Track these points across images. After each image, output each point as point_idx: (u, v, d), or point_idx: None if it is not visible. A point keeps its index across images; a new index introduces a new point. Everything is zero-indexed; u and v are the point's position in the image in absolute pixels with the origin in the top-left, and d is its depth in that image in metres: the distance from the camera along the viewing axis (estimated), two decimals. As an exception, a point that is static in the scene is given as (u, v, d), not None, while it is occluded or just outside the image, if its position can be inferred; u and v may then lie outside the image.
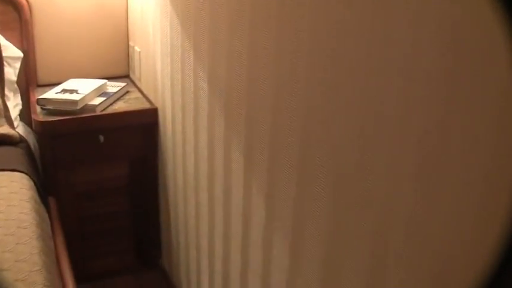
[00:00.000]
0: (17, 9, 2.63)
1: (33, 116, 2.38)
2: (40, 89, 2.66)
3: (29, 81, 2.72)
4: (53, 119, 2.34)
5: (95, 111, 2.38)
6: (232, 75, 1.56)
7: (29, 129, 2.61)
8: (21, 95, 2.69)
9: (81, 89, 2.43)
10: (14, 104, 2.61)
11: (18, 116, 2.61)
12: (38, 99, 2.40)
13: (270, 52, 1.32)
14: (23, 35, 2.67)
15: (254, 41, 1.40)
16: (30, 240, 1.70)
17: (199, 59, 1.82)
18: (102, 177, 2.55)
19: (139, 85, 2.71)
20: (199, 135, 1.91)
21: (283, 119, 1.29)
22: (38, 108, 2.41)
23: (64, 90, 2.44)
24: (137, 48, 2.65)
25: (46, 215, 2.12)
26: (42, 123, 2.33)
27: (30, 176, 2.12)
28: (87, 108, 2.38)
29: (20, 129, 2.54)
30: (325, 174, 1.14)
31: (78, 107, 2.34)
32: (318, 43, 1.12)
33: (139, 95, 2.62)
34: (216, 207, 1.84)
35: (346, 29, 1.03)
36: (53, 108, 2.37)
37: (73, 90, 2.43)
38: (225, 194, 1.74)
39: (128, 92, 2.64)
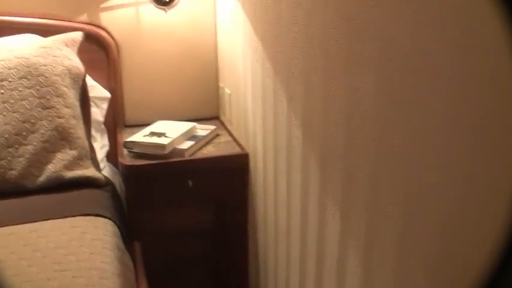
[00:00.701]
0: (105, 48, 2.61)
1: (119, 159, 2.32)
2: (128, 130, 2.62)
3: (116, 121, 2.69)
4: (140, 163, 2.27)
5: (183, 156, 2.30)
6: (328, 123, 1.44)
7: (115, 170, 2.56)
8: (108, 136, 2.65)
9: (170, 132, 2.36)
10: (101, 145, 2.57)
11: (105, 158, 2.57)
12: (125, 142, 2.35)
13: (370, 99, 1.19)
14: (111, 75, 2.64)
15: (351, 86, 1.28)
16: (111, 292, 1.62)
17: (292, 104, 1.71)
18: (189, 220, 2.47)
19: (229, 127, 2.62)
20: (292, 185, 1.79)
21: (384, 179, 1.16)
22: (125, 151, 2.35)
23: (152, 133, 2.37)
24: (227, 90, 2.57)
25: (130, 263, 2.04)
26: (129, 166, 2.27)
27: (114, 222, 2.05)
28: (175, 152, 2.30)
29: (107, 170, 2.50)
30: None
31: (166, 151, 2.26)
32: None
33: (229, 138, 2.53)
34: (308, 264, 1.71)
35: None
36: (141, 151, 2.31)
37: (161, 133, 2.36)
38: (318, 252, 1.61)
39: (217, 135, 2.56)
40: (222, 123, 2.72)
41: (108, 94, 2.61)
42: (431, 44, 0.93)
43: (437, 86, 0.93)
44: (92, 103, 2.49)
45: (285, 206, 1.88)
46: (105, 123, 2.63)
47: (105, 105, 2.60)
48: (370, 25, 1.17)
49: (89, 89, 2.47)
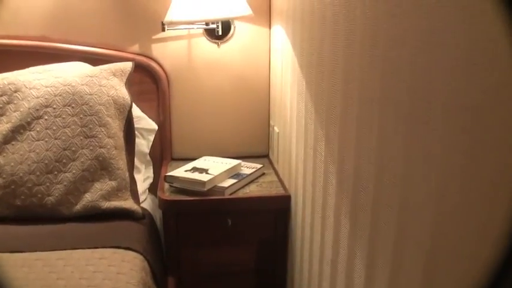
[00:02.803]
0: (155, 80, 2.60)
1: (158, 193, 2.28)
2: (174, 163, 2.60)
3: (163, 154, 2.67)
4: (178, 199, 2.23)
5: (223, 194, 2.24)
6: (360, 173, 1.37)
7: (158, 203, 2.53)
8: (155, 168, 2.62)
9: (212, 169, 2.32)
10: (145, 176, 2.56)
11: (147, 189, 2.54)
12: (165, 176, 2.32)
13: (399, 154, 1.11)
14: (160, 107, 2.63)
15: (383, 138, 1.20)
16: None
17: (330, 150, 1.64)
18: (228, 260, 2.39)
19: (276, 167, 2.56)
20: (326, 232, 1.72)
21: (407, 241, 1.08)
22: (166, 185, 2.32)
23: (194, 169, 2.33)
24: (276, 129, 2.51)
25: None
26: (166, 201, 2.23)
27: (144, 256, 2.00)
28: (215, 190, 2.25)
29: (148, 202, 2.47)
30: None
31: (206, 189, 2.21)
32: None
33: (274, 178, 2.46)
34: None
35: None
36: (180, 186, 2.27)
37: (204, 169, 2.32)
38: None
39: (263, 174, 2.50)
40: (271, 162, 2.66)
41: (155, 126, 2.59)
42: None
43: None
44: (138, 134, 2.48)
45: (318, 251, 1.81)
46: (152, 155, 2.61)
47: (151, 137, 2.58)
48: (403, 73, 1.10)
49: (137, 120, 2.46)
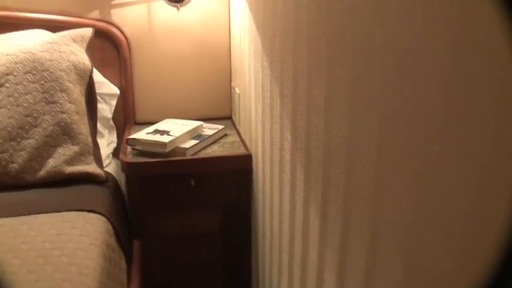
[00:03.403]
0: (116, 46, 2.61)
1: (120, 156, 2.31)
2: (138, 127, 2.61)
3: (126, 119, 2.69)
4: (140, 161, 2.26)
5: (185, 155, 2.27)
6: (311, 127, 1.41)
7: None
8: (119, 133, 2.65)
9: (174, 131, 2.35)
10: (109, 141, 2.58)
11: (111, 154, 2.57)
12: (127, 139, 2.34)
13: (345, 105, 1.15)
14: (122, 73, 2.64)
15: (332, 89, 1.24)
16: (86, 288, 1.61)
17: (284, 105, 1.67)
18: (192, 222, 2.43)
19: (239, 128, 2.59)
20: (283, 188, 1.76)
21: (356, 183, 1.12)
22: (129, 148, 2.35)
23: (156, 131, 2.36)
24: (237, 90, 2.54)
25: (122, 261, 2.03)
26: (129, 164, 2.26)
27: (108, 219, 2.04)
28: (177, 151, 2.28)
29: (112, 167, 2.50)
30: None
31: (167, 150, 2.24)
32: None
33: (237, 138, 2.50)
34: (294, 270, 1.68)
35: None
36: (142, 149, 2.30)
37: (165, 131, 2.35)
38: (302, 261, 1.58)
39: (225, 135, 2.53)
40: (233, 124, 2.69)
41: (117, 90, 2.61)
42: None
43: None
44: (100, 99, 2.50)
45: (278, 209, 1.85)
46: (116, 120, 2.63)
47: (114, 102, 2.60)
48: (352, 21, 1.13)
49: (98, 85, 2.48)
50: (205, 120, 2.58)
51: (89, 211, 2.02)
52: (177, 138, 2.28)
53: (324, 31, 1.26)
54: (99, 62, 2.48)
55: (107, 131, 2.58)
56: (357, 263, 1.14)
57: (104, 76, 2.58)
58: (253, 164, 2.27)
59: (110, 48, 2.62)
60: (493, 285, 0.64)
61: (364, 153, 1.05)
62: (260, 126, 2.05)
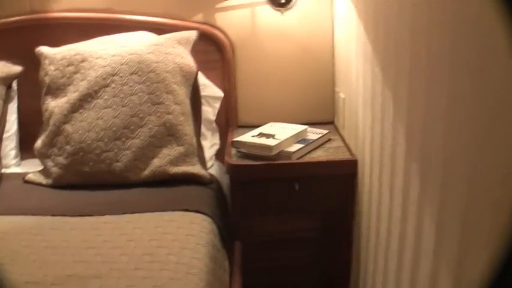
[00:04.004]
0: (220, 48, 2.62)
1: (225, 158, 2.30)
2: (240, 130, 2.60)
3: (229, 121, 2.69)
4: (245, 163, 2.24)
5: (290, 159, 2.24)
6: (429, 136, 1.35)
7: (224, 169, 2.53)
8: (221, 135, 2.64)
9: (279, 134, 2.31)
10: (211, 143, 2.58)
11: (214, 156, 2.56)
12: (232, 141, 2.33)
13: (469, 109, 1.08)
14: (225, 75, 2.64)
15: (454, 93, 1.17)
16: None
17: (398, 112, 1.62)
18: (291, 226, 2.41)
19: (342, 133, 2.54)
20: (394, 195, 1.70)
21: (481, 200, 1.05)
22: (233, 150, 2.33)
23: (261, 134, 2.34)
24: (342, 95, 2.49)
25: (225, 262, 2.01)
26: (233, 166, 2.25)
27: (213, 219, 2.02)
28: (282, 154, 2.25)
29: (215, 168, 2.49)
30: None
31: (273, 153, 2.21)
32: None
33: (341, 143, 2.44)
34: (403, 279, 1.61)
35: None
36: (247, 151, 2.28)
37: (270, 134, 2.32)
38: (413, 266, 1.51)
39: (329, 140, 2.48)
40: (336, 128, 2.64)
41: (221, 93, 2.61)
42: None
43: None
44: (204, 102, 2.50)
45: (387, 215, 1.78)
46: (218, 122, 2.63)
47: (217, 104, 2.60)
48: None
49: (202, 88, 2.49)
50: (306, 124, 2.53)
51: (194, 211, 2.01)
52: (282, 141, 2.25)
53: (448, 33, 1.19)
54: (202, 64, 2.47)
55: (209, 133, 2.57)
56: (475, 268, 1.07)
57: (208, 79, 2.58)
58: (359, 169, 2.20)
59: (213, 51, 2.62)
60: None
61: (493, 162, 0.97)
62: (368, 131, 2.00)
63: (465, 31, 1.10)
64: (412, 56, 1.46)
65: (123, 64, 2.28)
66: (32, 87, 2.50)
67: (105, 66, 2.29)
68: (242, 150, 2.29)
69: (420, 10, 1.37)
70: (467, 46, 1.08)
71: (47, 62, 2.39)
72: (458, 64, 1.14)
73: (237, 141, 2.30)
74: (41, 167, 2.36)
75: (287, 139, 2.29)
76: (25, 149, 2.57)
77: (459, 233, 1.17)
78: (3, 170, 2.43)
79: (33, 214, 2.03)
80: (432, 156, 1.34)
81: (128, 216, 1.98)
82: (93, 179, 2.26)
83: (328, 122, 2.72)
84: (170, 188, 2.20)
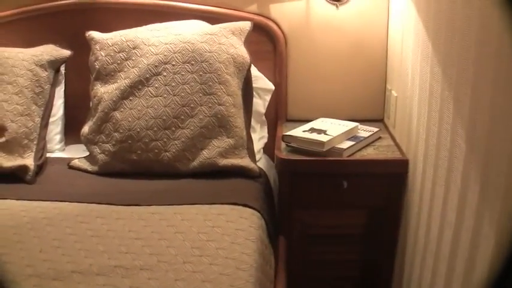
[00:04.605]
0: (273, 40, 2.58)
1: (276, 152, 2.27)
2: (289, 124, 2.58)
3: (278, 114, 2.65)
4: (296, 158, 2.22)
5: (341, 156, 2.21)
6: (494, 138, 1.30)
7: (272, 163, 2.53)
8: (269, 128, 2.62)
9: (330, 130, 2.28)
10: (260, 136, 2.55)
11: (262, 149, 2.54)
12: (283, 135, 2.30)
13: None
14: (277, 67, 2.61)
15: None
16: (245, 284, 1.56)
17: (459, 114, 1.57)
18: (338, 223, 2.38)
19: (392, 132, 2.49)
20: (449, 197, 1.66)
21: None
22: (283, 145, 2.31)
23: (312, 129, 2.31)
24: (394, 93, 2.44)
25: (271, 257, 1.99)
26: (284, 160, 2.22)
27: (262, 215, 2.00)
28: (333, 151, 2.22)
29: (262, 162, 2.47)
30: None
31: (325, 149, 2.18)
32: None
33: (391, 142, 2.40)
34: (453, 281, 1.57)
35: None
36: (298, 146, 2.25)
37: (321, 130, 2.29)
38: (466, 272, 1.46)
39: (379, 138, 2.44)
40: (386, 127, 2.59)
41: (272, 86, 2.57)
42: None
43: None
44: (255, 94, 2.47)
45: (439, 217, 1.75)
46: (267, 115, 2.60)
47: (268, 97, 2.56)
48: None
49: (254, 79, 2.45)
50: (356, 121, 2.49)
51: (243, 205, 1.99)
52: (334, 138, 2.22)
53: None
54: (253, 55, 2.43)
55: (258, 125, 2.55)
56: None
57: (258, 70, 2.55)
58: (410, 169, 2.16)
59: (265, 42, 2.58)
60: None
61: None
62: (423, 131, 1.95)
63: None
64: (477, 56, 1.42)
65: (176, 52, 2.26)
66: (80, 72, 2.50)
67: (157, 54, 2.27)
68: (293, 144, 2.27)
69: (489, 8, 1.33)
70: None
71: (97, 47, 2.38)
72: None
73: (288, 135, 2.28)
74: (86, 153, 2.37)
75: (339, 135, 2.26)
76: (69, 134, 2.58)
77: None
78: (48, 155, 2.43)
79: (78, 201, 2.04)
80: (495, 162, 1.30)
81: (175, 208, 1.97)
82: (140, 168, 2.25)
83: (377, 119, 2.68)
84: (218, 180, 2.19)
